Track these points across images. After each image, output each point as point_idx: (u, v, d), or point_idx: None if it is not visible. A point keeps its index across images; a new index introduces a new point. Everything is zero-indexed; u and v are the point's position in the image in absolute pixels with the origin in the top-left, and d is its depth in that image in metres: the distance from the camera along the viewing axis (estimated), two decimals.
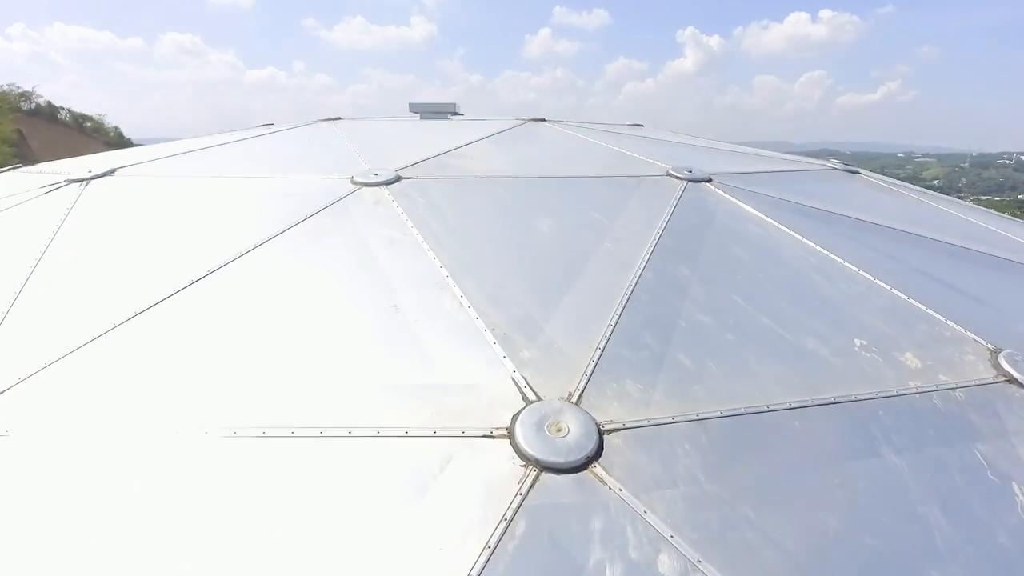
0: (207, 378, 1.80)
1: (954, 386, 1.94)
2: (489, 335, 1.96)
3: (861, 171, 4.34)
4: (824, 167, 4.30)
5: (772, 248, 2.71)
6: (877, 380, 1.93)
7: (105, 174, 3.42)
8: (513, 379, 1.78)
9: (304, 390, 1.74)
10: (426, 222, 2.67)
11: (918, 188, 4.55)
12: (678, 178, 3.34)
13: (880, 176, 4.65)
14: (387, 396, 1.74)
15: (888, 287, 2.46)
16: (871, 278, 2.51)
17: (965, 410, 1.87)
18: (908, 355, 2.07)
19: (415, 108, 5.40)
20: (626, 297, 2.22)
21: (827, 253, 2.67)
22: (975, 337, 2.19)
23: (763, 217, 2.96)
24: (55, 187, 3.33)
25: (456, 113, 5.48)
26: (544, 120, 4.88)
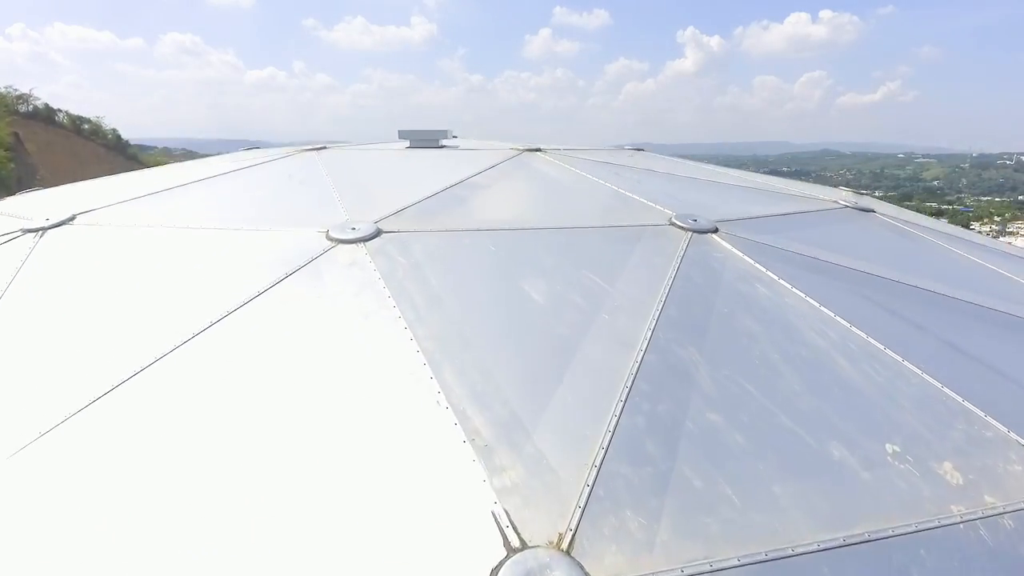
0: (124, 522, 1.54)
1: (1001, 511, 1.69)
2: (469, 448, 1.71)
3: (875, 209, 4.09)
4: (836, 205, 4.04)
5: (787, 319, 2.46)
6: (915, 504, 1.68)
7: (64, 222, 3.18)
8: (494, 514, 1.53)
9: (241, 542, 1.49)
10: (405, 289, 2.42)
11: (935, 226, 4.29)
12: (682, 228, 3.09)
13: (895, 211, 4.40)
14: (341, 540, 1.49)
15: (918, 370, 2.21)
16: (899, 359, 2.25)
17: (1016, 544, 1.62)
18: (947, 466, 1.82)
19: (405, 135, 5.15)
20: (626, 389, 1.97)
21: (847, 325, 2.42)
22: (1019, 440, 1.93)
23: (775, 278, 2.70)
24: (9, 237, 3.09)
25: (448, 139, 5.24)
26: (539, 150, 4.63)
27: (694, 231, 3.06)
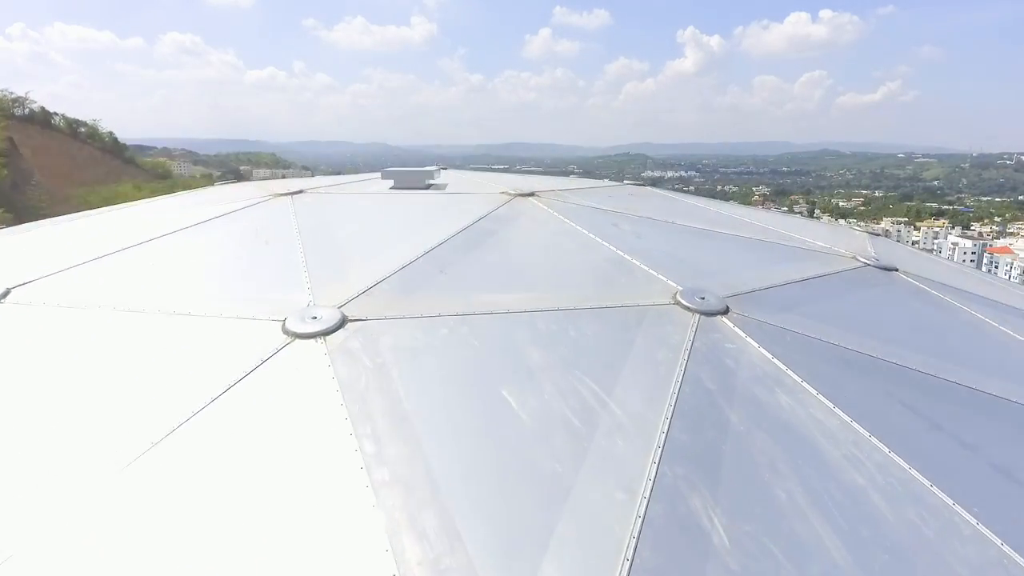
0: None
1: None
2: None
3: (898, 267, 3.73)
4: (857, 263, 3.68)
5: (814, 441, 2.10)
6: None
7: None
8: None
9: None
10: (366, 406, 2.08)
11: (963, 285, 3.92)
12: (688, 309, 2.74)
13: (918, 266, 4.04)
14: None
15: (972, 519, 1.85)
16: (949, 501, 1.90)
17: None
18: None
19: (388, 175, 4.80)
20: (627, 563, 1.62)
21: (886, 451, 2.06)
22: None
23: (797, 380, 2.35)
24: None
25: (435, 178, 4.87)
26: (532, 195, 4.27)
27: (702, 313, 2.71)
